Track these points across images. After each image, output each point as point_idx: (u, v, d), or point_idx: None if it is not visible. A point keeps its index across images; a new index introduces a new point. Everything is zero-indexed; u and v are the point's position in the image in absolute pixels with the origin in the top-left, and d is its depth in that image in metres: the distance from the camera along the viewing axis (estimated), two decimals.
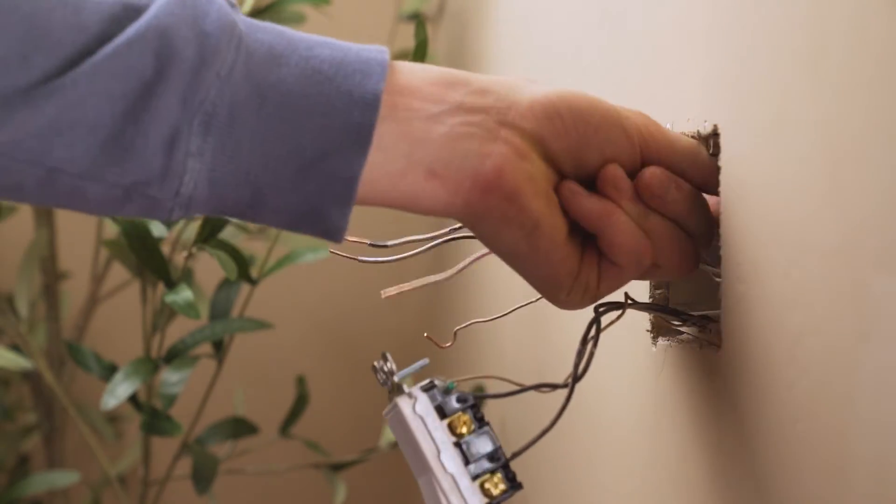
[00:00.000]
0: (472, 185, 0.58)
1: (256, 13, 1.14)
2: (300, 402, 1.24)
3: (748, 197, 0.61)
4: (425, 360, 0.63)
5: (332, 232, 0.57)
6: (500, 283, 1.11)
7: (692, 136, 0.68)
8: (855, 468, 0.52)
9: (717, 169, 0.64)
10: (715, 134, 0.65)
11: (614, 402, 0.80)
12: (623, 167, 0.61)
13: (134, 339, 1.15)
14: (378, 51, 0.58)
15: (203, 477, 1.09)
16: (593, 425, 0.84)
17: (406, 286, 0.67)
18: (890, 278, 0.49)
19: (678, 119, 0.69)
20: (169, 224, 1.02)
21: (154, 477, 1.20)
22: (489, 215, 0.58)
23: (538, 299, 0.70)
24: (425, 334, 0.71)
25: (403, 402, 0.59)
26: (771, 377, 0.59)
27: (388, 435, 1.20)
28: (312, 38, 0.57)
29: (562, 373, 0.63)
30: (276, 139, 0.55)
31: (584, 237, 0.61)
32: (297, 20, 1.17)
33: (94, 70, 0.53)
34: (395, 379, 0.60)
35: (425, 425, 0.59)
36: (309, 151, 0.56)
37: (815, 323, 0.54)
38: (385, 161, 0.57)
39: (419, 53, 0.97)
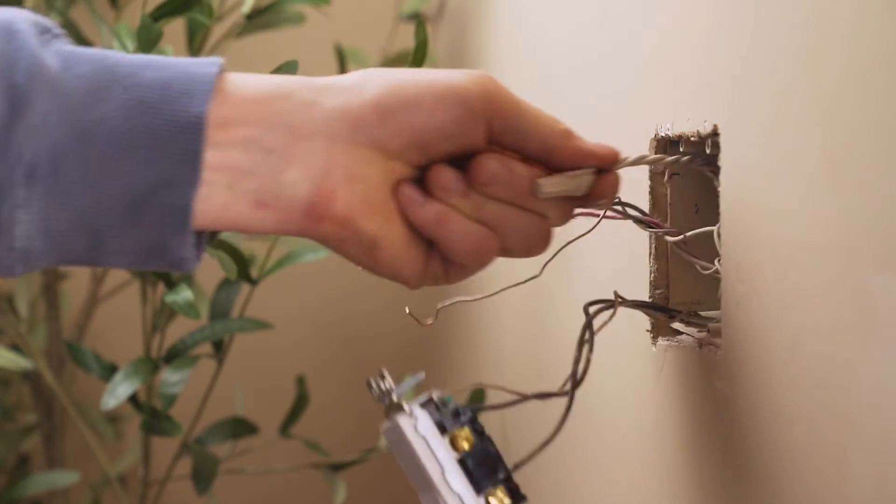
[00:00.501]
0: (302, 215, 0.56)
1: (256, 13, 1.14)
2: (300, 402, 1.24)
3: (748, 197, 0.61)
4: (421, 375, 0.63)
5: (179, 263, 0.56)
6: (502, 280, 1.11)
7: (692, 137, 0.68)
8: (854, 468, 0.52)
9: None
10: (715, 134, 0.65)
11: (614, 402, 0.80)
12: (471, 142, 0.59)
13: (134, 339, 1.15)
14: (208, 64, 0.56)
15: (203, 477, 1.09)
16: (593, 425, 0.84)
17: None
18: (889, 278, 0.49)
19: (678, 119, 0.69)
20: None
21: (154, 477, 1.20)
22: (325, 239, 0.58)
23: (527, 281, 0.69)
24: (406, 309, 0.71)
25: (404, 422, 0.58)
26: (771, 377, 0.58)
27: (387, 422, 1.20)
28: (138, 62, 0.55)
29: (562, 372, 0.63)
30: (105, 179, 0.54)
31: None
32: (297, 20, 1.17)
33: None
34: (394, 398, 0.60)
35: (428, 445, 0.58)
36: (140, 186, 0.54)
37: (815, 323, 0.54)
38: (210, 193, 0.55)
39: (419, 53, 0.97)
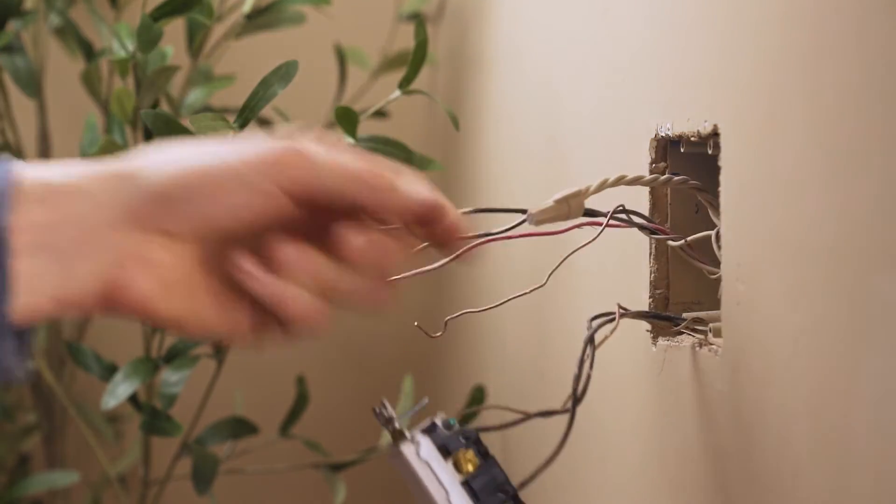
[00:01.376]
0: (101, 304, 0.57)
1: (256, 13, 1.14)
2: (300, 402, 1.23)
3: (748, 197, 0.61)
4: (425, 400, 0.63)
5: (5, 373, 0.56)
6: (503, 282, 1.11)
7: (692, 137, 0.68)
8: (855, 468, 0.52)
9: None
10: (715, 134, 0.65)
11: (615, 403, 0.80)
12: (278, 214, 0.57)
13: (134, 339, 1.15)
14: (2, 171, 0.55)
15: (203, 477, 1.09)
16: (593, 426, 0.84)
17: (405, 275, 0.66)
18: (889, 278, 0.49)
19: (678, 119, 0.69)
20: None
21: (154, 477, 1.20)
22: (125, 318, 0.58)
23: (531, 291, 0.70)
24: (415, 324, 0.71)
25: (407, 449, 0.59)
26: (771, 377, 0.58)
27: (387, 435, 1.20)
28: None
29: (564, 375, 0.63)
30: None
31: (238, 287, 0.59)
32: (297, 20, 1.17)
33: None
34: (396, 425, 0.60)
35: (431, 470, 0.59)
36: None
37: (815, 323, 0.54)
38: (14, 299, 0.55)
39: (419, 54, 0.97)
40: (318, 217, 0.59)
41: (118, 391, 1.00)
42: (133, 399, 1.05)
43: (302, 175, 0.57)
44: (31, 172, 0.56)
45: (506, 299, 0.71)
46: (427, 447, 0.59)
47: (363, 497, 1.44)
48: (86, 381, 1.33)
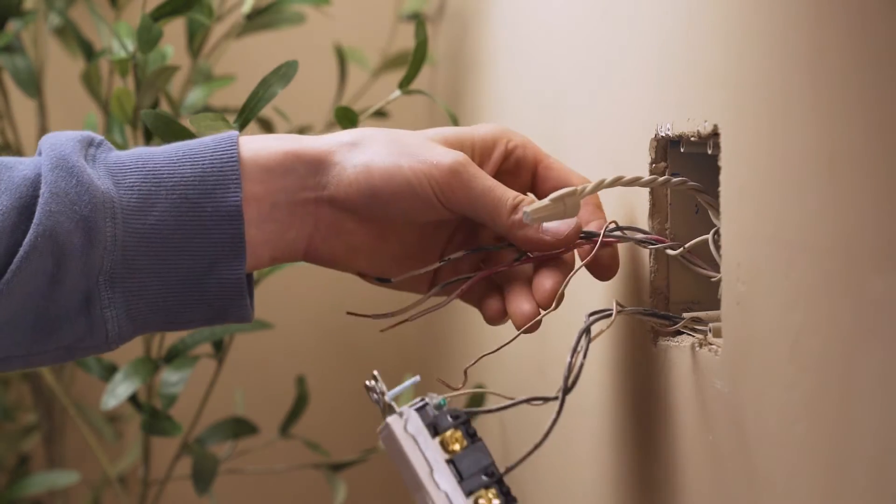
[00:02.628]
0: (302, 256, 0.71)
1: (256, 13, 1.14)
2: (300, 402, 1.24)
3: (748, 197, 0.61)
4: (416, 378, 0.64)
5: (240, 319, 0.70)
6: None
7: (692, 137, 0.68)
8: (855, 468, 0.52)
9: (718, 170, 0.64)
10: (715, 134, 0.65)
11: (614, 402, 0.80)
12: (441, 220, 0.72)
13: (134, 339, 1.15)
14: (228, 145, 0.68)
15: (203, 477, 1.09)
16: (592, 425, 0.84)
17: (403, 318, 0.73)
18: (889, 278, 0.49)
19: (678, 119, 0.69)
20: None
21: (154, 477, 1.20)
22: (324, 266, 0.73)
23: (544, 315, 0.71)
24: (438, 379, 0.73)
25: (394, 422, 0.59)
26: (771, 377, 0.59)
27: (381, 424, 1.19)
28: (173, 157, 0.68)
29: (562, 370, 0.63)
30: (170, 268, 0.67)
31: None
32: (297, 20, 1.17)
33: (7, 287, 0.64)
34: (386, 399, 0.60)
35: (417, 444, 0.59)
36: (198, 267, 0.67)
37: (815, 323, 0.54)
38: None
39: (419, 54, 0.97)
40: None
41: (118, 391, 1.00)
42: (133, 399, 1.05)
43: (460, 200, 0.70)
44: (250, 153, 0.69)
45: (514, 336, 0.72)
46: (415, 422, 0.59)
47: (363, 497, 1.44)
48: (86, 381, 1.33)
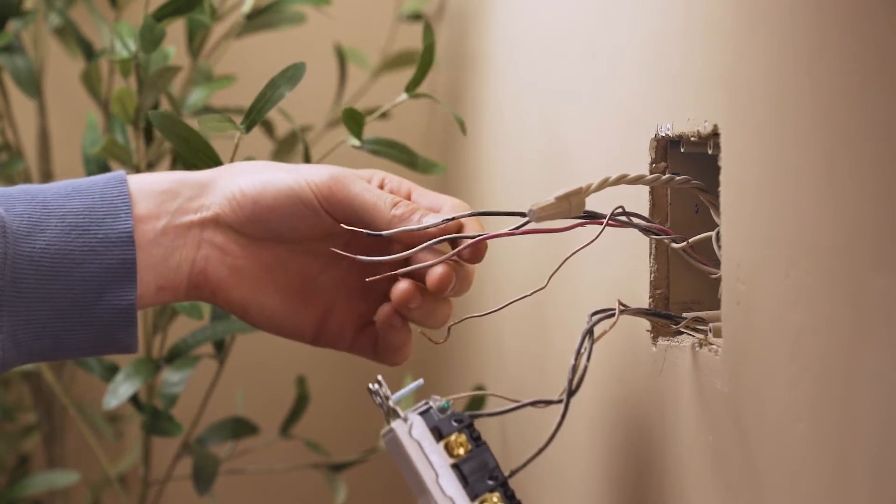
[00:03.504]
0: (187, 290, 0.71)
1: (256, 13, 1.14)
2: (300, 403, 1.24)
3: (748, 197, 0.61)
4: (420, 381, 0.64)
5: (126, 349, 0.70)
6: (503, 282, 1.12)
7: (692, 137, 0.68)
8: (855, 468, 0.52)
9: (718, 172, 0.64)
10: (715, 134, 0.65)
11: (614, 402, 0.80)
12: (326, 229, 0.72)
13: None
14: (116, 182, 0.69)
15: (203, 477, 1.09)
16: (592, 426, 0.84)
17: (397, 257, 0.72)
18: (889, 278, 0.49)
19: (678, 119, 0.69)
20: None
21: (154, 477, 1.20)
22: (208, 303, 0.76)
23: (534, 293, 0.70)
24: (420, 331, 0.72)
25: (399, 427, 0.59)
26: (771, 377, 0.59)
27: (385, 429, 1.19)
28: (60, 191, 0.69)
29: (564, 373, 0.63)
30: (58, 293, 0.67)
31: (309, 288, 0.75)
32: (297, 20, 1.17)
33: None
34: (390, 403, 0.60)
35: (422, 449, 0.59)
36: (88, 295, 0.68)
37: (815, 323, 0.55)
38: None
39: (426, 57, 0.96)
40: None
41: (120, 391, 1.00)
42: (134, 399, 1.05)
43: (343, 203, 0.71)
44: (135, 183, 0.70)
45: (507, 303, 0.71)
46: (420, 427, 0.59)
47: (363, 497, 1.44)
48: (86, 381, 1.33)
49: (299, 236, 0.73)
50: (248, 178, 0.71)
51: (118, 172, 0.71)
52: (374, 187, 0.72)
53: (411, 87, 0.97)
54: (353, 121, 0.93)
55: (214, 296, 0.72)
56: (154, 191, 0.70)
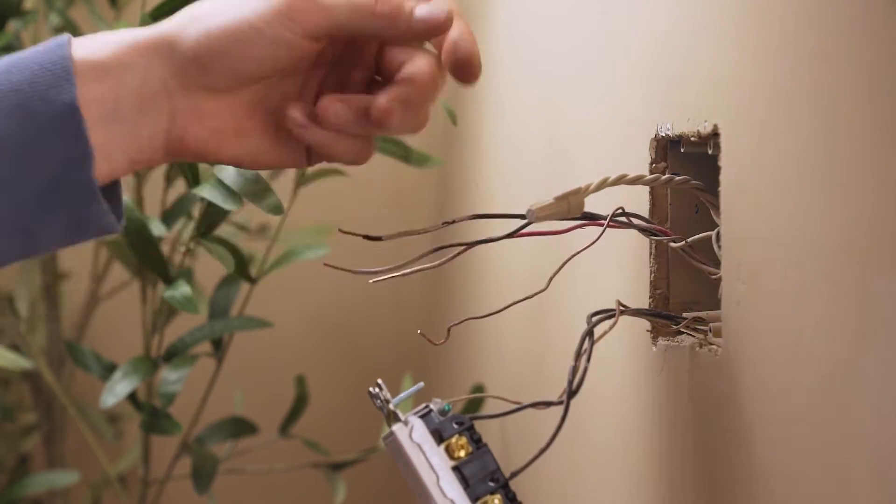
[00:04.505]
0: (165, 155, 0.65)
1: None
2: (300, 402, 1.24)
3: (748, 197, 0.61)
4: (420, 384, 0.64)
5: (106, 228, 0.64)
6: (502, 283, 1.12)
7: (692, 137, 0.68)
8: (855, 468, 0.52)
9: (717, 168, 0.64)
10: (715, 134, 0.65)
11: (614, 402, 0.80)
12: (301, 57, 0.64)
13: (134, 338, 1.15)
14: (59, 46, 0.62)
15: (203, 476, 1.09)
16: (592, 426, 0.84)
17: (395, 273, 0.69)
18: (890, 278, 0.49)
19: (678, 119, 0.69)
20: (168, 223, 1.02)
21: (154, 477, 1.20)
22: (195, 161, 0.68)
23: (533, 295, 0.70)
24: (419, 331, 0.72)
25: (400, 430, 0.59)
26: (771, 377, 0.59)
27: (386, 432, 1.19)
28: (1, 67, 0.62)
29: (563, 374, 0.63)
30: (15, 182, 0.61)
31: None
32: None
33: None
34: (391, 406, 0.60)
35: (423, 452, 0.59)
36: (46, 177, 0.61)
37: (815, 323, 0.54)
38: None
39: None
40: (350, 44, 0.67)
41: (117, 389, 1.00)
42: (133, 398, 1.05)
43: (313, 18, 0.63)
44: (80, 51, 0.63)
45: (507, 304, 0.71)
46: (420, 430, 0.59)
47: (363, 497, 1.44)
48: (86, 380, 1.33)
49: (272, 68, 0.65)
50: (206, 27, 0.64)
51: (61, 36, 0.64)
52: None
53: None
54: None
55: (199, 158, 0.66)
56: (103, 62, 0.63)
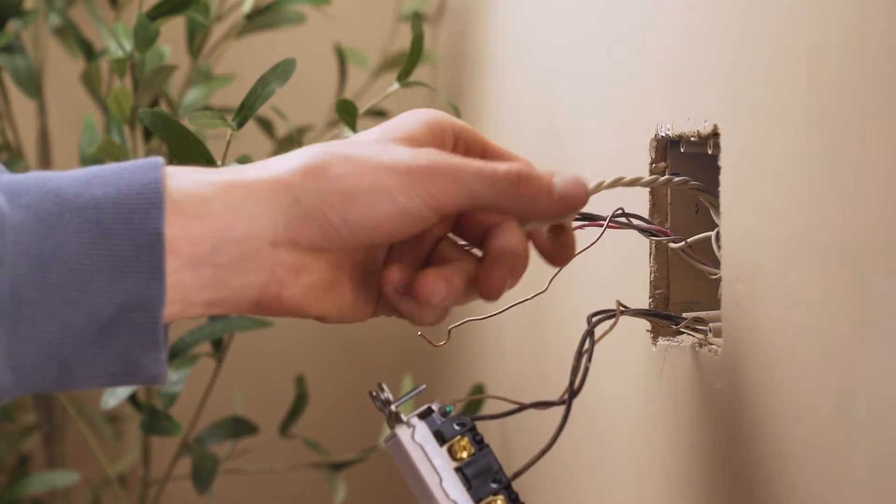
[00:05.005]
0: (253, 309, 0.58)
1: (256, 13, 1.14)
2: (300, 402, 1.24)
3: (748, 197, 0.61)
4: (422, 386, 0.64)
5: (152, 379, 0.56)
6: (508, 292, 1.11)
7: (692, 137, 0.68)
8: (855, 468, 0.52)
9: (718, 169, 0.64)
10: (715, 134, 0.65)
11: (614, 402, 0.80)
12: (419, 229, 0.59)
13: None
14: (150, 168, 0.55)
15: (203, 476, 1.09)
16: (593, 426, 0.84)
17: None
18: (889, 278, 0.49)
19: (678, 119, 0.69)
20: None
21: (154, 477, 1.20)
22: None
23: (534, 296, 0.70)
24: (419, 332, 0.72)
25: (402, 432, 0.59)
26: (771, 377, 0.59)
27: (387, 433, 1.19)
28: (83, 179, 0.55)
29: (563, 374, 0.63)
30: (69, 307, 0.53)
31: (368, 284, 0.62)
32: (297, 20, 1.17)
33: None
34: (393, 408, 0.60)
35: (425, 454, 0.59)
36: (106, 310, 0.53)
37: (815, 323, 0.54)
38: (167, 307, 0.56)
39: (415, 50, 0.97)
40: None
41: (118, 390, 1.00)
42: (133, 398, 1.05)
43: (454, 198, 0.58)
44: (181, 182, 0.56)
45: (508, 306, 0.71)
46: (422, 431, 0.59)
47: (363, 497, 1.44)
48: None
49: (397, 240, 0.60)
50: (342, 190, 0.57)
51: (154, 158, 0.56)
52: (485, 163, 0.59)
53: (402, 77, 0.98)
54: (347, 112, 0.93)
55: (291, 314, 0.59)
56: (204, 196, 0.56)
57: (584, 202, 0.60)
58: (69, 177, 0.55)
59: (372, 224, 0.57)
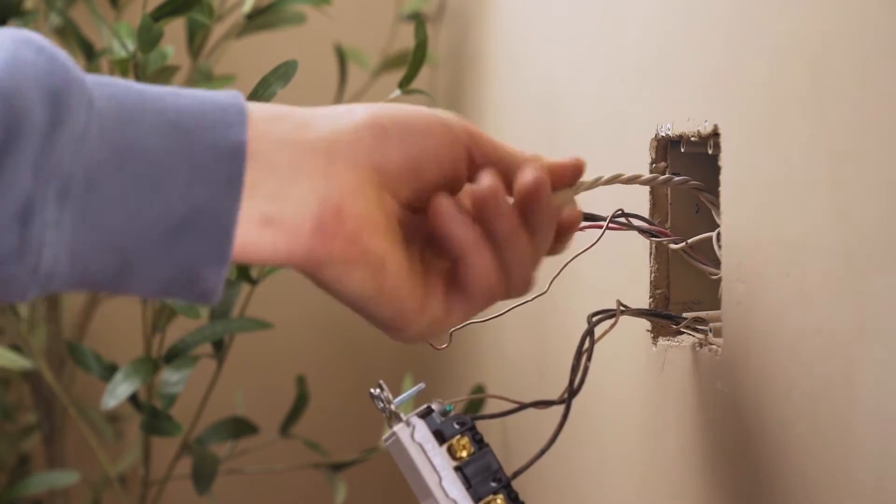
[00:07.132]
0: (311, 232, 0.54)
1: (256, 13, 1.14)
2: (300, 402, 1.24)
3: (748, 197, 0.61)
4: (421, 385, 0.64)
5: (206, 295, 0.54)
6: None
7: (692, 137, 0.68)
8: (855, 468, 0.52)
9: (718, 170, 0.64)
10: (715, 134, 0.65)
11: (615, 402, 0.80)
12: (456, 172, 0.59)
13: (134, 339, 1.15)
14: (233, 96, 0.55)
15: (203, 477, 1.09)
16: (592, 426, 0.84)
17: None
18: (890, 279, 0.49)
19: (678, 119, 0.69)
20: None
21: (154, 477, 1.20)
22: (332, 260, 0.55)
23: (534, 298, 0.70)
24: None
25: (402, 431, 0.59)
26: (771, 377, 0.59)
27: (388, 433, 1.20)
28: (161, 89, 0.54)
29: (563, 375, 0.63)
30: (141, 202, 0.51)
31: (427, 268, 0.59)
32: (297, 20, 1.17)
33: None
34: (392, 407, 0.60)
35: (425, 452, 0.59)
36: (178, 212, 0.52)
37: (816, 323, 0.54)
38: None
39: (419, 53, 0.97)
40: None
41: (118, 391, 1.00)
42: (133, 399, 1.05)
43: (483, 140, 0.60)
44: (256, 131, 0.55)
45: (508, 308, 0.71)
46: (422, 430, 0.59)
47: (363, 497, 1.44)
48: (86, 381, 1.33)
49: (434, 172, 0.58)
50: (380, 106, 0.58)
51: (235, 91, 0.55)
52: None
53: (404, 83, 0.98)
54: None
55: (352, 243, 0.55)
56: (261, 108, 0.56)
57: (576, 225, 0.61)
58: (152, 87, 0.54)
59: (421, 127, 0.57)
